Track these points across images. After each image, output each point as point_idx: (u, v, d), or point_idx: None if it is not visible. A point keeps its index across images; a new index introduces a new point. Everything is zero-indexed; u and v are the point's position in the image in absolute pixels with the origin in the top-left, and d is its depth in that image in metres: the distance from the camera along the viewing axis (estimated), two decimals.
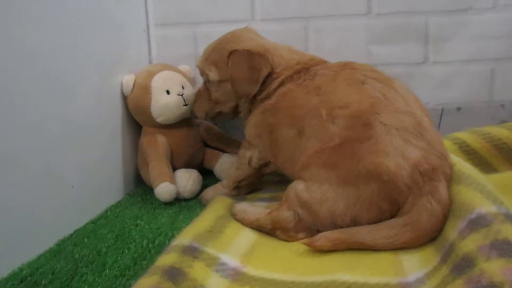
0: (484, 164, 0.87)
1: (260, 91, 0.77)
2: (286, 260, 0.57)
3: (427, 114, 0.67)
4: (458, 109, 1.01)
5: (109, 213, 0.82)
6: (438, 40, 0.99)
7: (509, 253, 0.42)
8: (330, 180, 0.61)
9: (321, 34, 1.01)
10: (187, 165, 0.95)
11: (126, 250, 0.65)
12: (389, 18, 0.99)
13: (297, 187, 0.64)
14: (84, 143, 0.77)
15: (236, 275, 0.53)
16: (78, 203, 0.76)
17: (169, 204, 0.86)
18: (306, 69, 0.75)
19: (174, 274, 0.47)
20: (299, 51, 0.82)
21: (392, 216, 0.59)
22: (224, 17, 1.04)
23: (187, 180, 0.88)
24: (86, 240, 0.69)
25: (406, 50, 1.00)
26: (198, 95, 0.88)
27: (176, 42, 1.06)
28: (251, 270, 0.54)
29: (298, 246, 0.61)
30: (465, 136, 0.88)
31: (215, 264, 0.53)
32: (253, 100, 0.79)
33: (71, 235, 0.72)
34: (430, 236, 0.57)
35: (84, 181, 0.77)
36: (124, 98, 0.92)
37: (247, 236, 0.64)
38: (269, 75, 0.76)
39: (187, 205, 0.85)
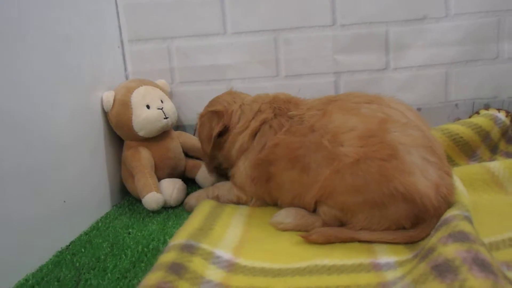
0: (447, 158, 1.06)
1: (223, 147, 0.91)
2: (272, 251, 0.70)
3: (422, 120, 0.75)
4: (419, 109, 1.18)
5: (100, 224, 0.92)
6: (398, 48, 1.16)
7: (463, 239, 0.55)
8: (359, 207, 0.69)
9: (291, 45, 1.16)
10: (170, 175, 1.07)
11: (123, 255, 0.76)
12: (353, 28, 1.15)
13: (336, 214, 0.73)
14: (69, 159, 0.87)
15: (230, 266, 0.65)
16: (71, 216, 0.86)
17: (156, 212, 0.97)
18: (280, 114, 0.84)
19: (176, 268, 0.59)
20: (262, 96, 0.91)
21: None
22: (196, 31, 1.17)
23: (172, 189, 1.00)
24: (83, 250, 0.80)
25: (370, 57, 1.16)
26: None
27: (150, 57, 1.18)
28: (242, 261, 0.67)
29: (280, 239, 0.75)
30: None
31: (210, 257, 0.66)
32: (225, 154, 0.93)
33: (67, 247, 0.82)
34: None
35: (74, 195, 0.88)
36: (105, 114, 1.03)
37: (234, 232, 0.78)
38: (227, 130, 0.90)
39: (174, 213, 0.98)
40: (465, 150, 1.08)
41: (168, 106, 1.07)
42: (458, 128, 1.08)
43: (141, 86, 1.05)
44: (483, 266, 0.49)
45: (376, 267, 0.63)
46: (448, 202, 0.68)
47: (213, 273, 0.63)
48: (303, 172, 0.76)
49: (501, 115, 1.15)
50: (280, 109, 0.85)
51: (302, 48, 1.16)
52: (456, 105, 1.20)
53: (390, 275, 0.60)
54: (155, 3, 1.15)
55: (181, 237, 0.70)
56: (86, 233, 0.88)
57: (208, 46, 1.17)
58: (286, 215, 0.80)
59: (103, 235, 0.87)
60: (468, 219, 0.63)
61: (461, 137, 1.07)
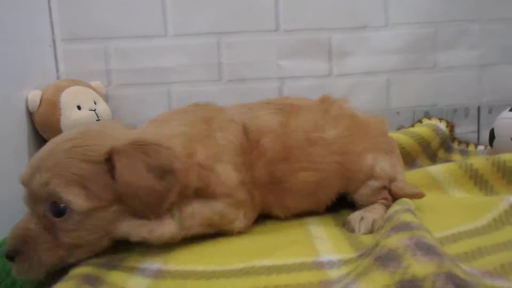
0: None
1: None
2: (204, 255, 0.64)
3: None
4: None
5: None
6: (341, 55, 1.18)
7: (405, 229, 0.55)
8: None
9: (234, 49, 1.15)
10: None
11: None
12: (296, 34, 1.16)
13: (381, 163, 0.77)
14: None
15: (158, 274, 0.58)
16: None
17: None
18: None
19: (91, 280, 0.52)
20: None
21: None
22: (136, 32, 1.13)
23: None
24: None
25: (313, 64, 1.18)
26: (29, 241, 0.54)
27: (85, 58, 1.12)
28: (173, 267, 0.60)
29: (210, 243, 0.70)
30: None
31: (135, 271, 0.58)
32: None
33: None
34: None
35: None
36: (30, 114, 0.97)
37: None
38: None
39: None
40: (406, 159, 1.10)
41: (102, 108, 1.02)
42: (400, 137, 1.10)
43: (73, 86, 1.00)
44: (427, 249, 0.48)
45: (318, 265, 0.60)
46: None
47: (137, 282, 0.56)
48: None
49: (442, 125, 1.20)
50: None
51: (246, 52, 1.15)
52: (398, 112, 1.23)
53: (334, 273, 0.58)
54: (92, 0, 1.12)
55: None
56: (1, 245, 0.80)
57: (149, 48, 1.14)
58: None
59: None
60: (411, 211, 0.63)
61: (403, 147, 1.09)
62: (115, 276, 0.56)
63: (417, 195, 0.78)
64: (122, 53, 1.14)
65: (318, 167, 0.76)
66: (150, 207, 0.56)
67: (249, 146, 0.72)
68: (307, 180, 0.76)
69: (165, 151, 0.57)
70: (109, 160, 0.54)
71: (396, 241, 0.52)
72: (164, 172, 0.56)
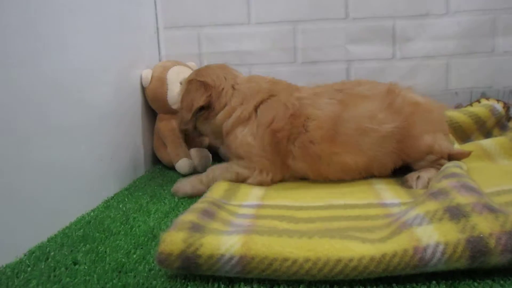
0: None
1: (209, 120, 0.98)
2: (293, 196, 0.85)
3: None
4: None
5: (137, 183, 1.08)
6: (403, 40, 1.32)
7: (452, 177, 0.71)
8: None
9: (307, 35, 1.33)
10: (197, 147, 1.24)
11: (163, 203, 0.91)
12: (364, 22, 1.31)
13: (440, 141, 0.91)
14: (108, 126, 1.00)
15: (260, 206, 0.80)
16: (112, 175, 1.02)
17: (186, 176, 1.11)
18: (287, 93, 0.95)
19: (209, 213, 0.70)
20: (259, 76, 1.02)
21: None
22: (224, 21, 1.34)
23: (200, 157, 1.16)
24: (126, 199, 0.95)
25: (378, 48, 1.32)
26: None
27: (182, 43, 1.35)
28: (268, 202, 0.82)
29: (299, 191, 0.90)
30: None
31: (241, 204, 0.80)
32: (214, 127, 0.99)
33: (113, 197, 0.98)
34: None
35: (115, 157, 1.04)
36: (143, 89, 1.21)
37: (258, 190, 0.92)
38: (209, 106, 0.97)
39: None
40: (461, 136, 1.22)
41: None
42: (459, 116, 1.22)
43: (176, 65, 1.22)
44: (469, 188, 0.63)
45: (383, 205, 0.78)
46: None
47: (246, 210, 0.78)
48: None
49: (499, 106, 1.30)
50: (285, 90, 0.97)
51: (318, 38, 1.32)
52: (456, 93, 1.36)
53: (395, 209, 0.75)
54: None
55: (213, 195, 0.83)
56: (126, 189, 1.04)
57: (233, 34, 1.34)
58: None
59: (141, 190, 1.02)
60: (460, 167, 0.79)
61: (460, 126, 1.21)
62: (228, 208, 0.78)
63: (466, 153, 0.94)
64: (211, 39, 1.36)
65: (367, 153, 0.90)
66: (181, 116, 1.01)
67: (287, 124, 0.92)
68: (349, 162, 0.91)
69: (202, 91, 0.97)
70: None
71: (445, 183, 0.68)
72: (191, 101, 0.98)
